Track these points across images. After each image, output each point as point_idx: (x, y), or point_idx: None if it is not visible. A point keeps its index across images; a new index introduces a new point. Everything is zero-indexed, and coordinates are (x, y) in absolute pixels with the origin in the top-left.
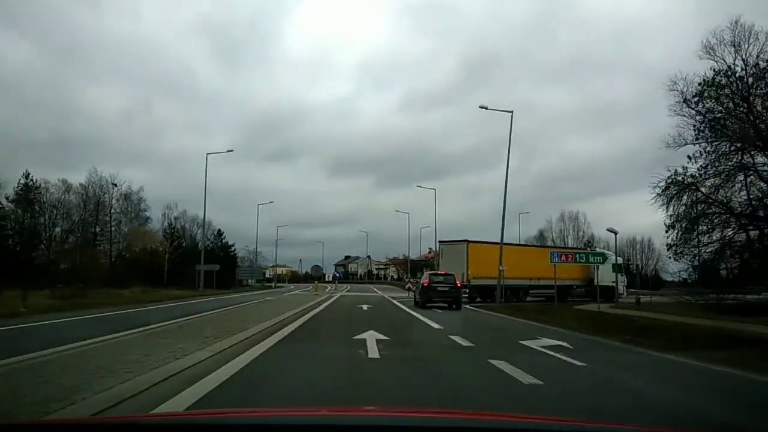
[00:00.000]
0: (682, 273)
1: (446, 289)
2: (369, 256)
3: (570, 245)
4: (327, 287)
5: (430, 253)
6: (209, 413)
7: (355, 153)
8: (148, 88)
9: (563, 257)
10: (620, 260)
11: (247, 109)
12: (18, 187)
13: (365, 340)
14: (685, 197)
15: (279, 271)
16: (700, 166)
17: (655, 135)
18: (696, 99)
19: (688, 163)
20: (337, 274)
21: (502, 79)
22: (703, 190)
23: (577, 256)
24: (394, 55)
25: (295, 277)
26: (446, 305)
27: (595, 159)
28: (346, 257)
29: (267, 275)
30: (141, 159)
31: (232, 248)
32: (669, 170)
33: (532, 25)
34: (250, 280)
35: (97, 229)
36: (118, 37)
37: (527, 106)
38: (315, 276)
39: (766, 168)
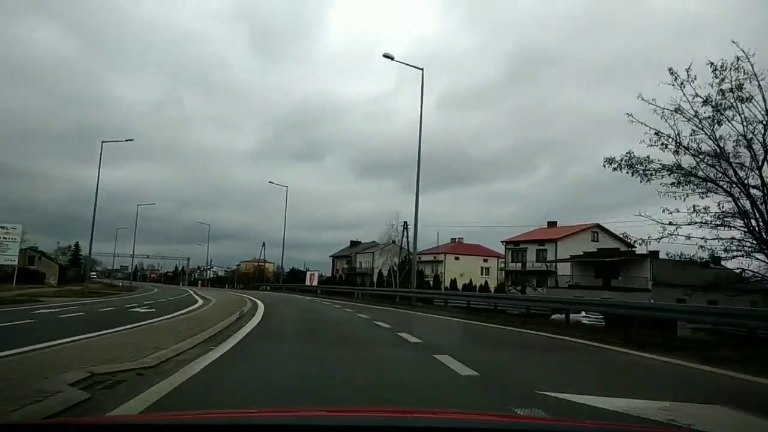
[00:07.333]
0: None
1: None
2: (405, 224)
3: None
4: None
5: None
6: (210, 414)
7: (385, 153)
8: (179, 80)
9: None
10: None
11: (278, 105)
12: None
13: None
14: None
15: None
16: None
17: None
18: None
19: None
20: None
21: (548, 80)
22: None
23: None
24: (439, 51)
25: (256, 276)
26: None
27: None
28: (354, 243)
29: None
30: (164, 154)
31: None
32: None
33: (587, 21)
34: None
35: None
36: (153, 23)
37: (569, 109)
38: None
39: None
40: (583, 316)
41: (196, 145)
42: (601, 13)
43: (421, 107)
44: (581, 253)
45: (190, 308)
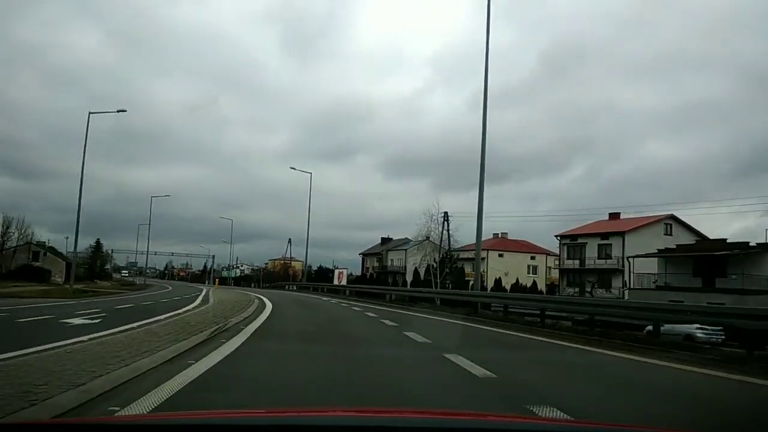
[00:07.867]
0: None
1: None
2: (446, 215)
3: None
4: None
5: None
6: (216, 414)
7: (416, 153)
8: (214, 82)
9: None
10: None
11: (310, 105)
12: None
13: None
14: None
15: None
16: None
17: (745, 138)
18: None
19: None
20: None
21: (584, 76)
22: None
23: None
24: (471, 48)
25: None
26: None
27: (673, 164)
28: (384, 240)
29: None
30: (197, 155)
31: None
32: None
33: (625, 16)
34: None
35: None
36: (191, 26)
37: (608, 106)
38: None
39: None
40: (697, 329)
41: (229, 145)
42: (639, 8)
43: (488, 28)
44: (664, 248)
45: (158, 318)
